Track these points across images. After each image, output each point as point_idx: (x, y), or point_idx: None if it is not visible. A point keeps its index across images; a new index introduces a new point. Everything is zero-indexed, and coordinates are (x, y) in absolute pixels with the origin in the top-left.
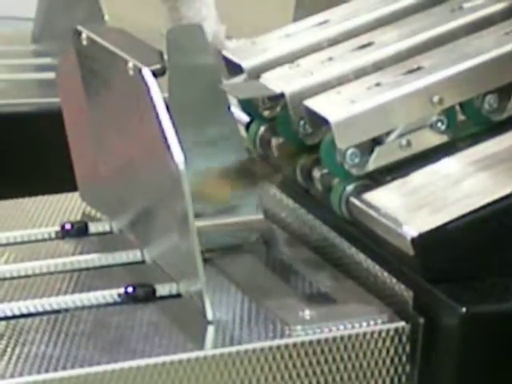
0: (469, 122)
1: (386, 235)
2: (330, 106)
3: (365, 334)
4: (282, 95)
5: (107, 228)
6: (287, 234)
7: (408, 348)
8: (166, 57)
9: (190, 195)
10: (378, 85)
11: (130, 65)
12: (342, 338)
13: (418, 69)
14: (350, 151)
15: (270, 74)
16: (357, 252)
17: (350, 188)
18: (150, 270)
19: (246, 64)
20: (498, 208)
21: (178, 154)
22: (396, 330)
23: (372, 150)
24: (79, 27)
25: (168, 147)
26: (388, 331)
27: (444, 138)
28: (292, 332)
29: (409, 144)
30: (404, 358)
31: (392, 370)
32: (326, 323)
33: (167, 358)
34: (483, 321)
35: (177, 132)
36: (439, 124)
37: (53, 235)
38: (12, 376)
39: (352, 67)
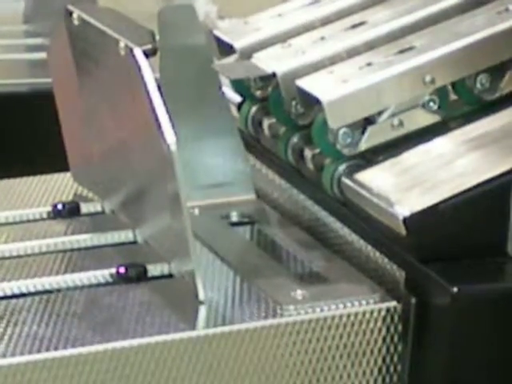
0: (461, 102)
1: (377, 215)
2: (322, 86)
3: (356, 314)
4: (273, 75)
5: (99, 208)
6: (279, 214)
7: (400, 327)
8: (157, 37)
9: (183, 175)
10: (370, 64)
11: (122, 45)
12: (333, 317)
13: (410, 48)
14: (342, 131)
15: (262, 53)
16: (349, 232)
17: (341, 168)
18: (142, 251)
19: (237, 44)
20: (489, 188)
21: (169, 135)
22: (388, 309)
23: (364, 130)
24: (70, 7)
25: (160, 127)
26: (380, 311)
27: (436, 118)
28: (284, 312)
29: (401, 124)
30: (396, 338)
31: (384, 350)
32: (317, 303)
33: (159, 338)
34: (474, 300)
35: (168, 112)
36: (431, 104)
37: (44, 215)
38: (3, 356)
39: (344, 47)
